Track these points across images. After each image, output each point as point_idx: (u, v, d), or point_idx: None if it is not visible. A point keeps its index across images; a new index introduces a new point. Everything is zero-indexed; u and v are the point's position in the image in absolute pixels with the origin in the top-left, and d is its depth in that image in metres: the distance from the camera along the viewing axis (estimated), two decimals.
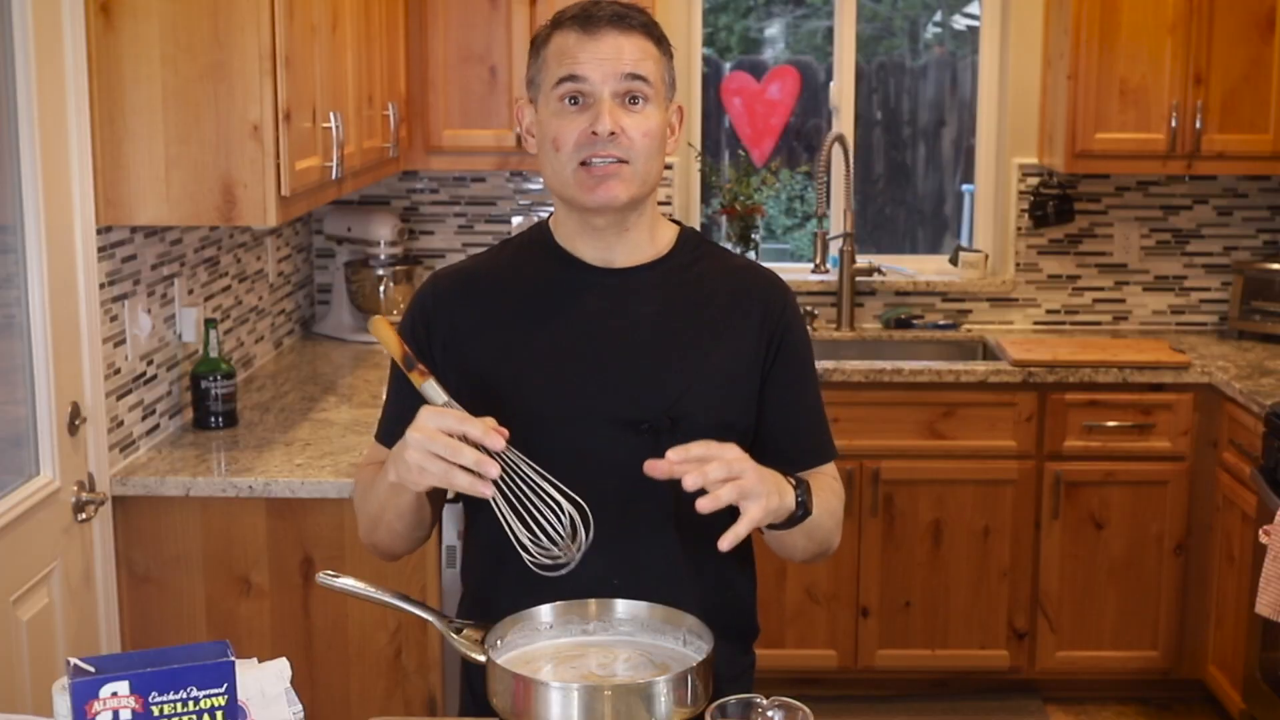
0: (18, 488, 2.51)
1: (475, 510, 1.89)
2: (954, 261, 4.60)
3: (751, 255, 4.41)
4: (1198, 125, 4.02)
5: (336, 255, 4.35)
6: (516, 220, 4.42)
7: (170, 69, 2.71)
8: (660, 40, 1.80)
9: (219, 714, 1.34)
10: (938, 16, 5.32)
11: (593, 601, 1.72)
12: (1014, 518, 3.95)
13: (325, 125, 3.07)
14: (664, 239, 1.87)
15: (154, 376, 3.06)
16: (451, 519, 2.87)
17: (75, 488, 2.67)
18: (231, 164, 2.74)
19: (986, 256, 4.52)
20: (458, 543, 2.89)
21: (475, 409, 1.64)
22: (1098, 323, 4.51)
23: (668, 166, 4.42)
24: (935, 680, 4.09)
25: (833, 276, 4.46)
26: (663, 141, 1.79)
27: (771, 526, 1.72)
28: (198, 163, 2.75)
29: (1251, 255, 4.45)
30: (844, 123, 4.56)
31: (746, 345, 1.83)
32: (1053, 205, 4.37)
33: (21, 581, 2.46)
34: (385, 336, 1.68)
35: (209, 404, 3.15)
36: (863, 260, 4.47)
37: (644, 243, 1.85)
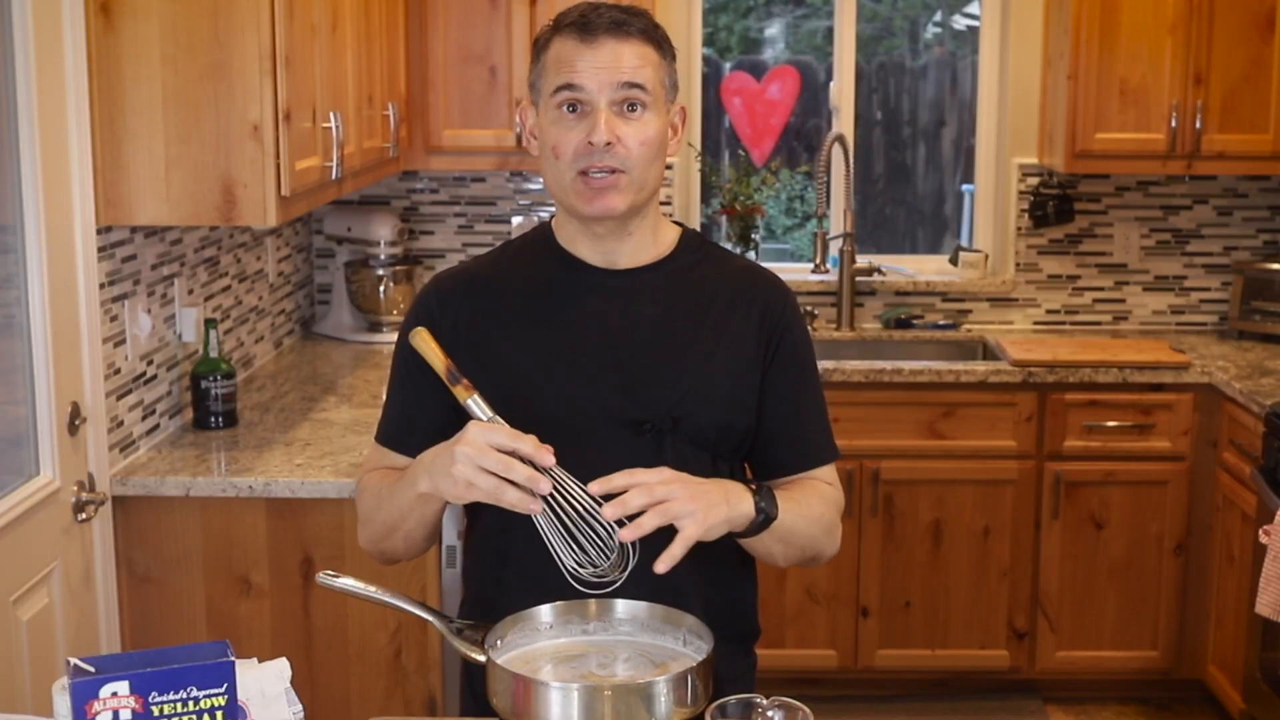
0: (18, 488, 2.51)
1: (476, 512, 1.89)
2: (954, 261, 4.60)
3: (751, 255, 4.42)
4: (1198, 125, 4.02)
5: (336, 255, 4.35)
6: (516, 220, 4.42)
7: (170, 69, 2.71)
8: (661, 43, 1.79)
9: (219, 714, 1.34)
10: (938, 16, 5.32)
11: (593, 601, 1.72)
12: (1014, 518, 3.95)
13: (325, 125, 3.07)
14: (666, 240, 1.88)
15: (154, 376, 3.07)
16: (451, 519, 2.87)
17: (75, 488, 2.67)
18: (231, 164, 2.74)
19: (986, 256, 4.52)
20: (458, 543, 2.89)
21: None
22: (1098, 323, 4.51)
23: (668, 166, 4.42)
24: (935, 680, 4.09)
25: (833, 276, 4.46)
26: (662, 147, 1.78)
27: (737, 535, 1.72)
28: (198, 163, 2.75)
29: (1251, 255, 4.45)
30: (844, 123, 4.56)
31: (747, 346, 1.83)
32: (1053, 205, 4.37)
33: (21, 581, 2.46)
34: (428, 350, 1.69)
35: (209, 404, 3.15)
36: (863, 260, 4.47)
37: (646, 245, 1.85)
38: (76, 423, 2.66)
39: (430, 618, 1.72)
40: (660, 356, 1.79)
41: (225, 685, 1.35)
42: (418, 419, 1.83)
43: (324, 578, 1.73)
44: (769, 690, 1.56)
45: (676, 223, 1.93)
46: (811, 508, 1.81)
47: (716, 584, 1.85)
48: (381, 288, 4.20)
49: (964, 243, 4.72)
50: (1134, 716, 4.01)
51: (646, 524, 1.59)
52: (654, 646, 1.69)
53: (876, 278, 4.47)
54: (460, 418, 1.69)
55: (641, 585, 1.74)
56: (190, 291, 3.27)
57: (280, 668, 1.47)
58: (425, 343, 1.69)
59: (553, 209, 1.90)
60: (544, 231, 1.90)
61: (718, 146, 5.04)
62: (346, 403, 3.45)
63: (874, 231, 5.19)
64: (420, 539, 1.82)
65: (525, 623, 1.70)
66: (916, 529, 3.96)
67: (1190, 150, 4.04)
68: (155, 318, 3.06)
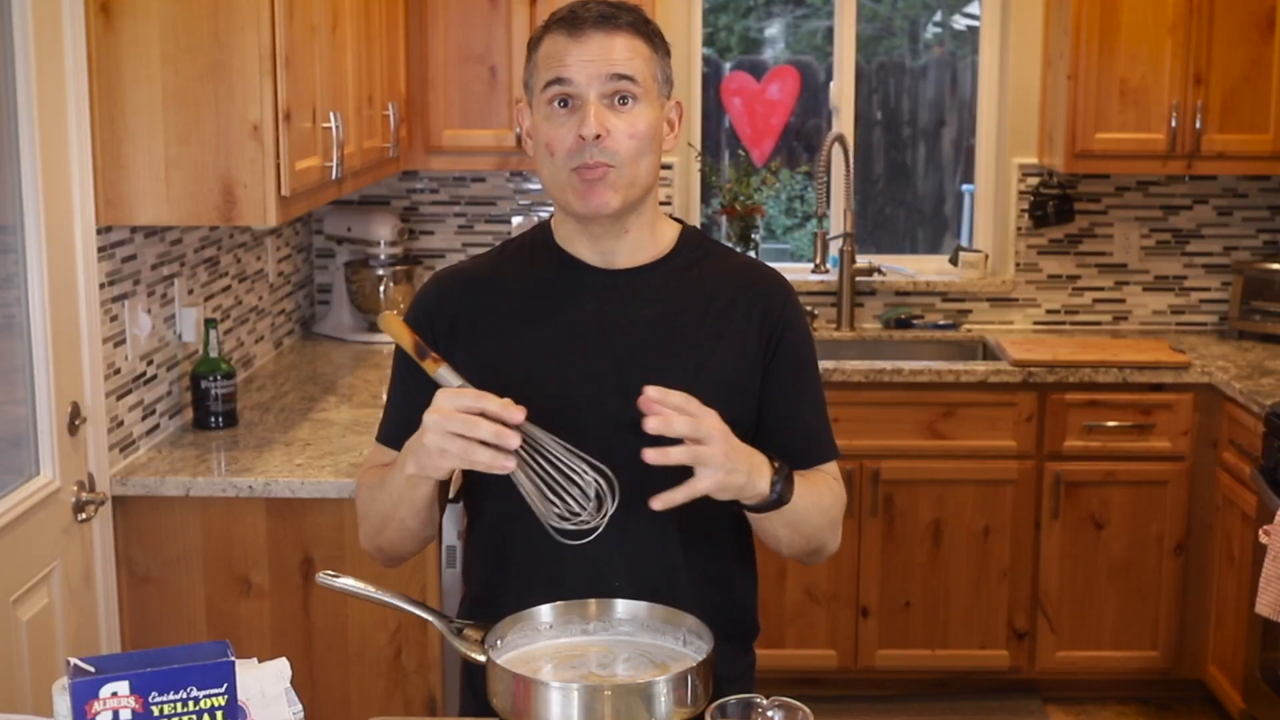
0: (18, 488, 2.51)
1: (477, 513, 1.89)
2: (954, 261, 4.60)
3: (752, 255, 4.41)
4: (1198, 125, 4.02)
5: (336, 255, 4.35)
6: (516, 220, 4.42)
7: (170, 69, 2.71)
8: (652, 37, 1.78)
9: (219, 714, 1.34)
10: (938, 16, 5.32)
11: (593, 601, 1.72)
12: (1014, 518, 3.96)
13: (325, 125, 3.07)
14: (665, 238, 1.87)
15: (154, 376, 3.07)
16: (452, 519, 2.87)
17: (75, 488, 2.67)
18: (231, 164, 2.74)
19: (986, 256, 4.52)
20: (458, 543, 2.89)
21: None
22: (1098, 323, 4.51)
23: (668, 166, 4.42)
24: (935, 680, 4.09)
25: (833, 276, 4.46)
26: (654, 140, 1.77)
27: (747, 509, 1.72)
28: (198, 163, 2.75)
29: (1251, 255, 4.45)
30: (844, 123, 4.56)
31: (747, 344, 1.83)
32: (1053, 205, 4.37)
33: (21, 581, 2.46)
34: (396, 330, 1.69)
35: (209, 404, 3.15)
36: (863, 260, 4.47)
37: (645, 243, 1.84)
38: (76, 423, 2.66)
39: (430, 618, 1.72)
40: (660, 356, 1.79)
41: (225, 685, 1.35)
42: (416, 418, 1.83)
43: (324, 578, 1.73)
44: (769, 690, 1.56)
45: (676, 219, 1.92)
46: (822, 498, 1.81)
47: (717, 583, 1.85)
48: (381, 288, 4.20)
49: (964, 243, 4.72)
50: (1134, 716, 4.01)
51: (674, 455, 1.59)
52: (654, 646, 1.69)
53: (876, 278, 4.47)
54: None
55: (641, 586, 1.75)
56: (190, 291, 3.27)
57: (280, 668, 1.47)
58: (392, 322, 1.69)
59: (553, 208, 1.90)
60: (542, 231, 1.90)
61: (718, 146, 5.04)
62: (346, 403, 3.45)
63: (874, 231, 5.19)
64: (414, 528, 1.81)
65: (525, 623, 1.70)
66: (916, 529, 3.96)
67: (1190, 150, 4.05)
68: (155, 318, 3.06)
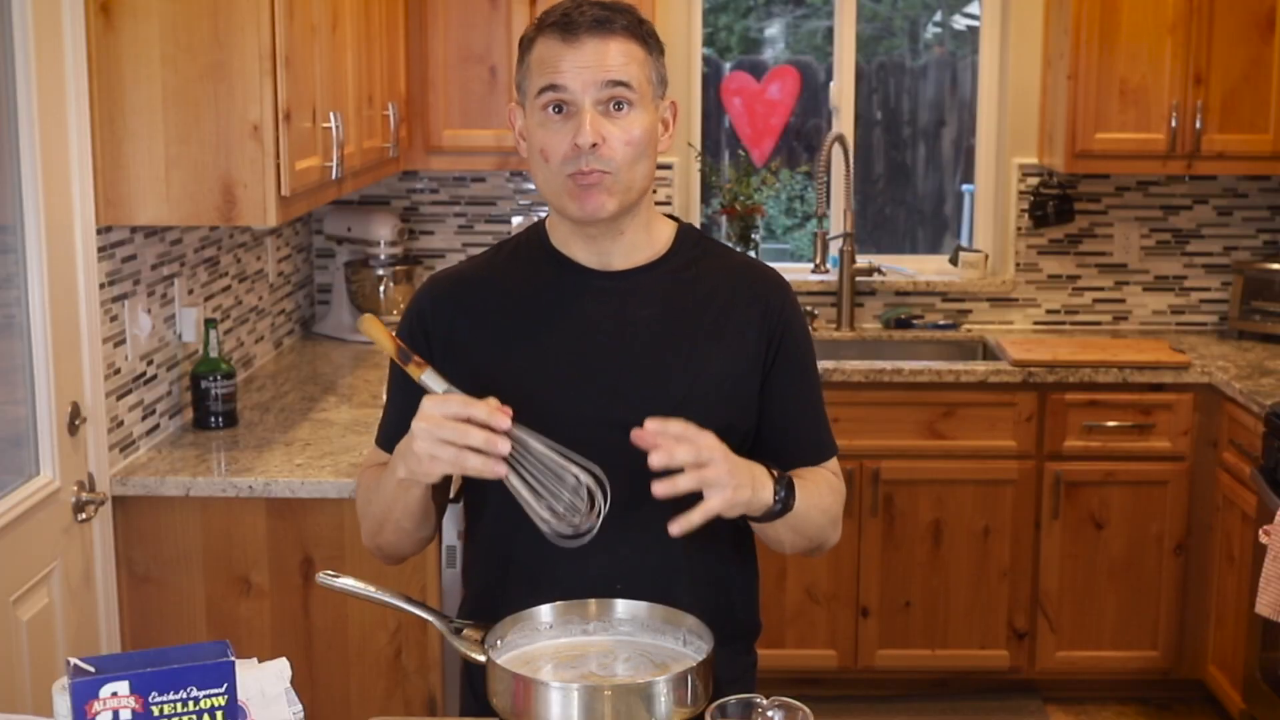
0: (18, 488, 2.51)
1: (477, 514, 1.89)
2: (954, 261, 4.60)
3: (751, 255, 4.41)
4: (1198, 125, 4.02)
5: (336, 255, 4.35)
6: (516, 220, 4.42)
7: (170, 69, 2.71)
8: (647, 38, 1.77)
9: (219, 714, 1.34)
10: (938, 16, 5.32)
11: (593, 601, 1.72)
12: (1014, 518, 3.95)
13: (325, 125, 3.07)
14: (662, 238, 1.87)
15: (154, 376, 3.07)
16: (452, 519, 2.87)
17: (75, 488, 2.67)
18: (231, 164, 2.74)
19: (986, 256, 4.52)
20: (458, 543, 2.89)
21: None
22: (1098, 323, 4.51)
23: (667, 166, 4.42)
24: (935, 680, 4.09)
25: (833, 276, 4.46)
26: (650, 144, 1.76)
27: (749, 518, 1.72)
28: (198, 163, 2.75)
29: (1251, 255, 4.45)
30: (844, 123, 4.56)
31: (747, 345, 1.82)
32: (1053, 205, 4.37)
33: (21, 581, 2.46)
34: (376, 334, 1.68)
35: (209, 404, 3.15)
36: (863, 260, 4.47)
37: (641, 244, 1.84)
38: (76, 423, 2.66)
39: (430, 618, 1.72)
40: (658, 359, 1.79)
41: (225, 685, 1.35)
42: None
43: (324, 578, 1.73)
44: (769, 690, 1.56)
45: (672, 218, 1.92)
46: (823, 498, 1.82)
47: (717, 585, 1.84)
48: (381, 288, 4.20)
49: (964, 243, 4.72)
50: (1134, 716, 4.01)
51: (682, 484, 1.60)
52: (654, 646, 1.69)
53: (876, 278, 4.47)
54: None
55: (642, 588, 1.75)
56: (190, 291, 3.27)
57: (280, 668, 1.47)
58: (373, 327, 1.68)
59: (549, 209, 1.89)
60: (537, 232, 1.89)
61: (718, 146, 5.04)
62: (346, 403, 3.45)
63: (874, 231, 5.19)
64: (410, 529, 1.81)
65: (525, 623, 1.70)
66: (916, 529, 3.96)
67: (1190, 150, 4.05)
68: (155, 318, 3.06)
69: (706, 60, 4.68)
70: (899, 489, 3.94)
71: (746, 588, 1.92)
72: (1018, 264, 4.49)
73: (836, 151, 4.42)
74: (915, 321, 4.43)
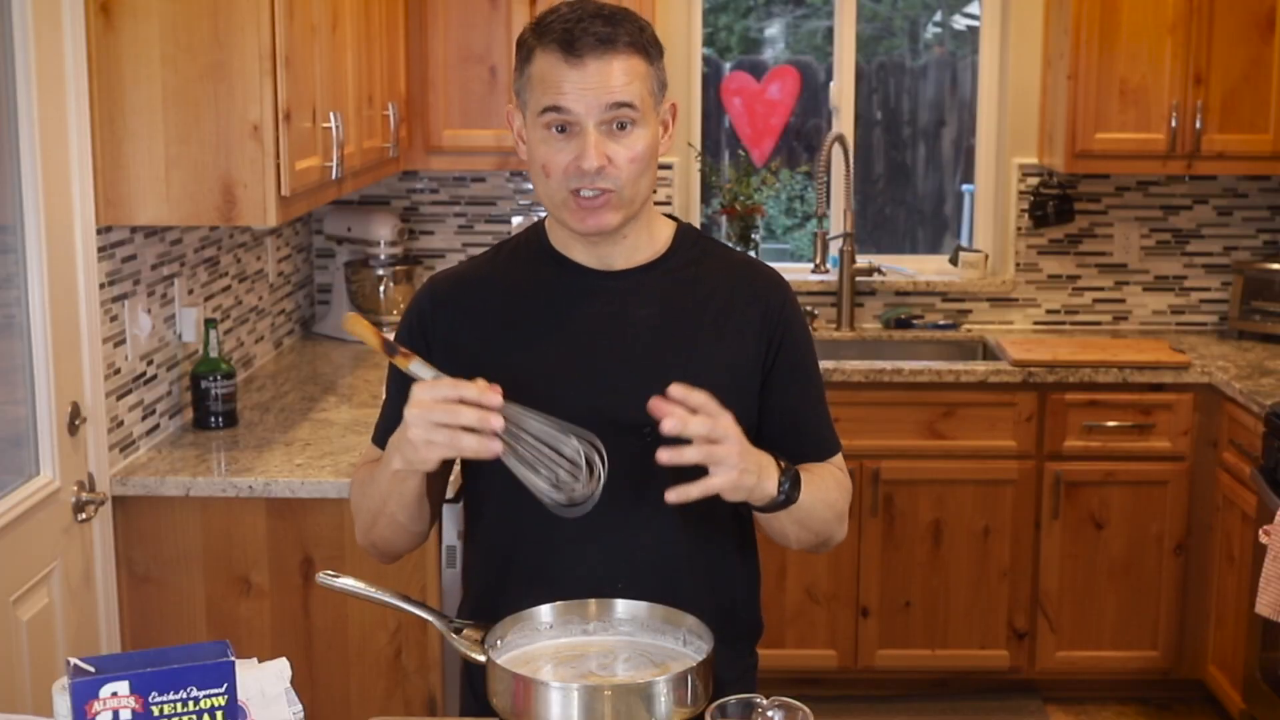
0: (18, 488, 2.51)
1: (477, 514, 1.89)
2: (954, 261, 4.60)
3: (750, 254, 4.41)
4: (1198, 125, 4.02)
5: (336, 255, 4.35)
6: (516, 220, 4.42)
7: (170, 69, 2.71)
8: (648, 48, 1.75)
9: (219, 714, 1.34)
10: (938, 16, 5.32)
11: (593, 601, 1.72)
12: (1014, 518, 3.95)
13: (325, 125, 3.07)
14: (662, 238, 1.87)
15: (154, 376, 3.07)
16: (451, 519, 2.87)
17: (75, 488, 2.67)
18: (231, 164, 2.74)
19: (986, 256, 4.52)
20: (458, 543, 2.89)
21: None
22: (1098, 323, 4.51)
23: (668, 166, 4.42)
24: (935, 680, 4.09)
25: (833, 276, 4.46)
26: (653, 157, 1.76)
27: (756, 509, 1.72)
28: (198, 163, 2.75)
29: (1251, 255, 4.45)
30: (844, 123, 4.56)
31: (747, 345, 1.82)
32: (1053, 205, 4.37)
33: (21, 581, 2.46)
34: (360, 330, 1.66)
35: (209, 404, 3.15)
36: (863, 260, 4.47)
37: (641, 244, 1.84)
38: (76, 423, 2.66)
39: (430, 618, 1.72)
40: (659, 359, 1.79)
41: (225, 685, 1.35)
42: None
43: (324, 578, 1.73)
44: (769, 690, 1.56)
45: (672, 217, 1.92)
46: (828, 492, 1.81)
47: (719, 585, 1.84)
48: (381, 288, 4.20)
49: (964, 243, 4.72)
50: (1134, 716, 4.01)
51: (688, 455, 1.59)
52: (654, 646, 1.69)
53: (876, 278, 4.47)
54: None
55: (642, 588, 1.75)
56: (190, 291, 3.27)
57: (280, 668, 1.47)
58: (356, 324, 1.67)
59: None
60: (536, 233, 1.88)
61: (718, 146, 5.04)
62: (346, 403, 3.45)
63: (874, 231, 5.19)
64: (404, 522, 1.80)
65: (525, 623, 1.70)
66: (916, 529, 3.96)
67: (1190, 150, 4.05)
68: (155, 318, 3.06)
69: (706, 60, 4.68)
70: (899, 489, 3.94)
71: (748, 588, 1.92)
72: (1018, 264, 4.49)
73: (836, 151, 4.42)
74: (915, 321, 4.43)
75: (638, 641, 1.70)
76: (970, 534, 3.96)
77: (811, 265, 4.39)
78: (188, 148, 2.74)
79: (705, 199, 4.66)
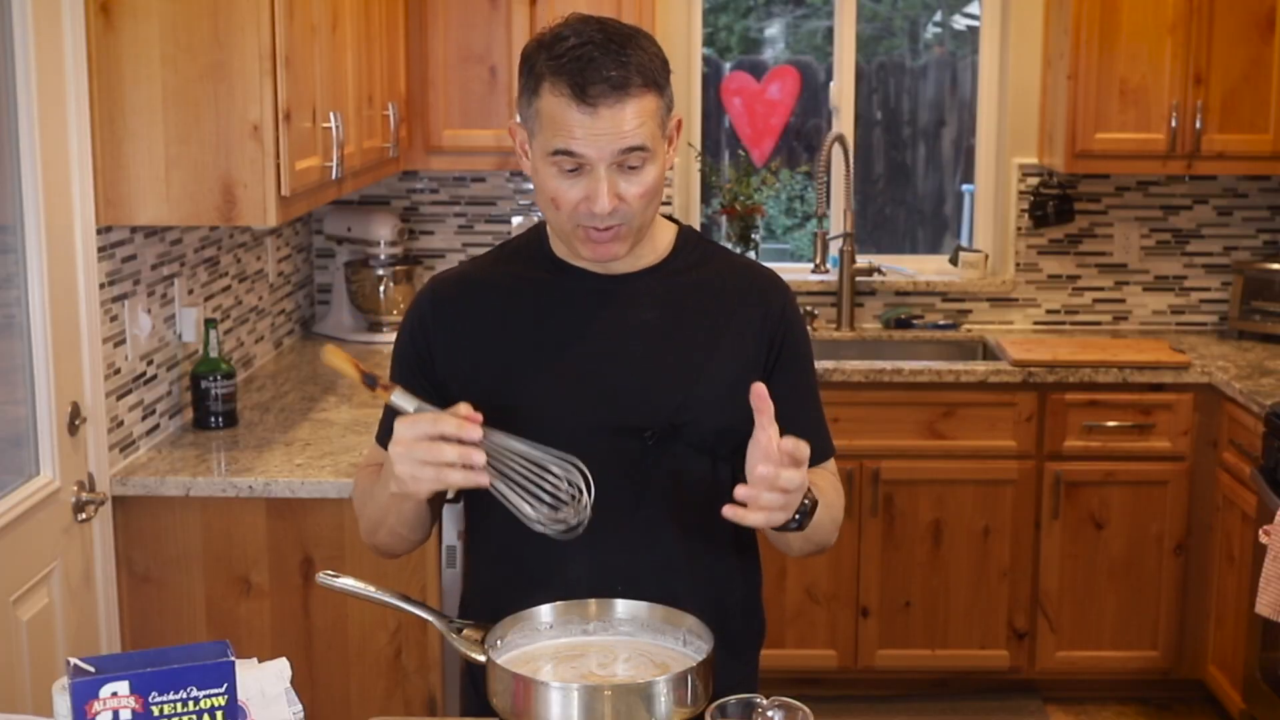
0: (18, 488, 2.51)
1: (477, 516, 1.89)
2: (954, 261, 4.60)
3: (751, 255, 4.41)
4: (1198, 125, 4.02)
5: (336, 255, 4.35)
6: (516, 220, 4.42)
7: (170, 69, 2.71)
8: (658, 78, 1.71)
9: (219, 714, 1.34)
10: (938, 16, 5.32)
11: (593, 601, 1.72)
12: (1014, 518, 3.95)
13: (325, 125, 3.07)
14: (663, 241, 1.87)
15: (154, 376, 3.07)
16: (452, 519, 2.87)
17: (75, 488, 2.67)
18: (231, 164, 2.74)
19: (986, 256, 4.52)
20: (458, 543, 2.89)
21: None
22: (1098, 323, 4.51)
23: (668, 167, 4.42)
24: (935, 680, 4.09)
25: (833, 276, 4.46)
26: (662, 181, 1.75)
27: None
28: (198, 163, 2.75)
29: (1251, 255, 4.45)
30: (844, 123, 4.56)
31: (747, 348, 1.82)
32: (1053, 205, 4.37)
33: (21, 581, 2.46)
34: (339, 363, 1.64)
35: (209, 404, 3.15)
36: (863, 260, 4.47)
37: (643, 250, 1.83)
38: (76, 423, 2.66)
39: (430, 618, 1.72)
40: (660, 362, 1.79)
41: (225, 685, 1.35)
42: None
43: (324, 578, 1.73)
44: (769, 690, 1.56)
45: (673, 219, 1.91)
46: (831, 505, 1.82)
47: (718, 587, 1.84)
48: (381, 288, 4.20)
49: (964, 243, 4.72)
50: (1134, 716, 4.01)
51: (750, 519, 1.58)
52: (654, 646, 1.69)
53: (876, 278, 4.47)
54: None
55: (642, 588, 1.74)
56: (190, 291, 3.27)
57: (280, 668, 1.47)
58: (334, 357, 1.64)
59: None
60: (537, 236, 1.88)
61: (718, 146, 5.04)
62: (346, 403, 3.45)
63: (874, 231, 5.19)
64: (406, 533, 1.82)
65: (525, 623, 1.70)
66: (916, 529, 3.96)
67: (1190, 150, 4.05)
68: (155, 318, 3.06)
69: (706, 60, 4.68)
70: (899, 489, 3.94)
71: (749, 590, 1.91)
72: (1018, 264, 4.49)
73: (836, 151, 4.42)
74: (915, 321, 4.43)
75: (638, 641, 1.70)
76: (970, 534, 3.96)
77: (811, 265, 4.39)
78: (188, 148, 2.74)
79: (705, 199, 4.66)
